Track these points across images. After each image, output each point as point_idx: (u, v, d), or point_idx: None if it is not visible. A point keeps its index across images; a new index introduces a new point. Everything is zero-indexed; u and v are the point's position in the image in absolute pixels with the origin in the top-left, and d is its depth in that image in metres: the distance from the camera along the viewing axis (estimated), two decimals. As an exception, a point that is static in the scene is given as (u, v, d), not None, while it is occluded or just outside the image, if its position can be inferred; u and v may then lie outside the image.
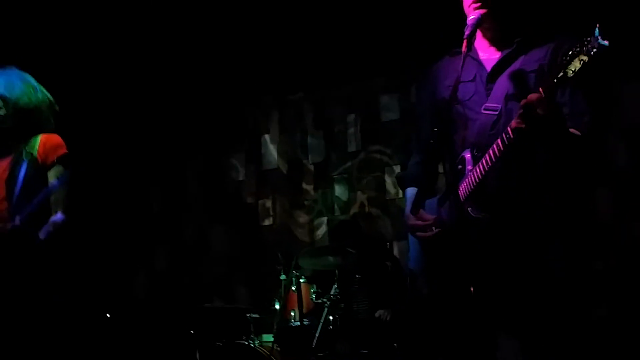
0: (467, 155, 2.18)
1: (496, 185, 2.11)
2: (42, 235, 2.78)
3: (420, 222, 2.26)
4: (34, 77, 3.09)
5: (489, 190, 2.11)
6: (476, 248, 2.12)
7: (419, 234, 2.27)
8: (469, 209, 2.12)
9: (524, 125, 1.93)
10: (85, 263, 5.16)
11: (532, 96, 1.91)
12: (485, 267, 2.12)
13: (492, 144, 2.05)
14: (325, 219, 5.12)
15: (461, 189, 2.16)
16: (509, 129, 1.98)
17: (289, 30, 5.03)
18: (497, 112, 2.17)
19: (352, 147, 5.13)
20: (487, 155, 2.06)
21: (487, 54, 2.27)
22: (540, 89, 1.90)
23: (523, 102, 1.92)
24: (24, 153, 2.91)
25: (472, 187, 2.11)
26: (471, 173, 2.12)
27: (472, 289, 2.10)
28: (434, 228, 2.22)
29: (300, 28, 5.00)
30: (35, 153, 2.90)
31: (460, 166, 2.19)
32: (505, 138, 2.00)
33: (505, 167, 2.08)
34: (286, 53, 5.16)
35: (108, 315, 4.78)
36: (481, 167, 2.08)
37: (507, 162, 2.06)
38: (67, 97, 3.28)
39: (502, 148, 2.01)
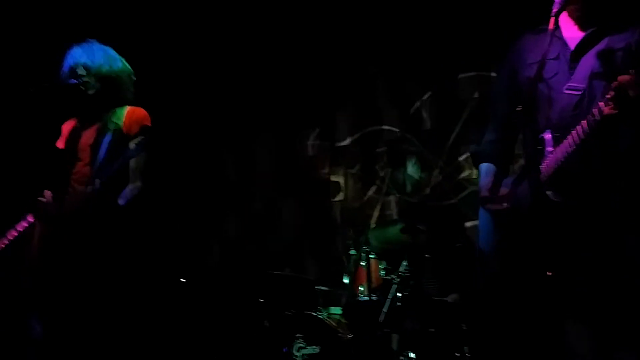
0: (548, 136, 2.13)
1: (578, 170, 2.06)
2: (121, 200, 2.91)
3: (492, 195, 2.23)
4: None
5: (570, 173, 2.06)
6: (553, 232, 2.08)
7: (489, 205, 2.24)
8: (548, 192, 2.08)
9: (615, 109, 1.87)
10: (161, 229, 5.34)
11: (623, 77, 1.85)
12: (561, 252, 2.08)
13: (575, 126, 2.00)
14: (396, 196, 5.10)
15: (541, 171, 2.11)
16: (595, 110, 1.93)
17: (366, 4, 5.01)
18: (580, 92, 2.12)
19: (426, 125, 5.07)
20: (570, 138, 2.01)
21: (571, 32, 2.22)
22: (631, 70, 1.84)
23: (614, 84, 1.86)
24: (109, 123, 3.06)
25: (554, 170, 2.07)
26: (552, 155, 2.08)
27: (548, 273, 2.07)
28: (504, 204, 2.19)
29: (379, 3, 4.97)
30: (121, 123, 3.04)
31: (539, 147, 2.15)
32: (591, 120, 1.94)
33: (587, 151, 2.02)
34: (364, 27, 5.14)
35: (183, 280, 4.93)
36: (564, 149, 2.03)
37: (589, 146, 2.00)
38: (147, 69, 3.40)
39: (587, 130, 1.96)
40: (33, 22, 4.55)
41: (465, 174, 4.85)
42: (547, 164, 2.10)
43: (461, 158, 4.87)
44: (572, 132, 2.00)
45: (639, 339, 2.03)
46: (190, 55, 5.51)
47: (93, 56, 3.11)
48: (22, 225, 3.06)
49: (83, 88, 3.07)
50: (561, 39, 2.22)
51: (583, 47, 2.17)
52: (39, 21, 4.56)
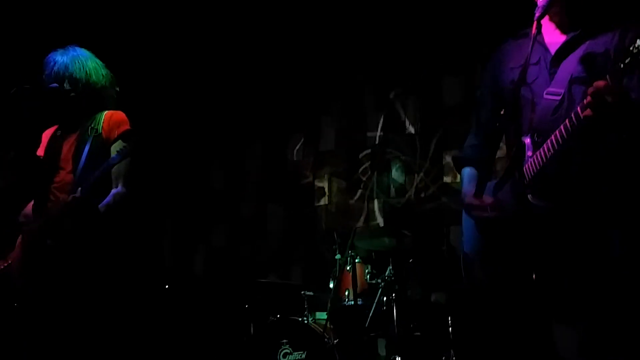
0: (527, 141, 2.15)
1: (558, 173, 2.07)
2: (102, 207, 2.87)
3: (477, 202, 2.24)
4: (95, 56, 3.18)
5: (550, 177, 2.07)
6: (536, 235, 2.09)
7: (474, 212, 2.25)
8: (529, 195, 2.09)
9: (592, 113, 1.89)
10: (147, 236, 5.32)
11: (599, 83, 1.87)
12: (545, 255, 2.10)
13: (554, 130, 2.01)
14: (380, 201, 5.12)
15: (520, 175, 2.13)
16: (573, 115, 1.94)
17: (351, 10, 5.03)
18: (559, 97, 2.13)
19: (410, 130, 5.09)
20: (549, 142, 2.02)
21: (552, 37, 2.23)
22: (607, 75, 1.86)
23: (591, 89, 1.88)
24: (89, 129, 3.01)
25: (533, 174, 2.08)
26: (531, 159, 2.09)
27: (533, 276, 2.09)
28: (489, 210, 2.20)
29: (364, 8, 4.99)
30: (100, 129, 2.99)
31: (520, 151, 2.16)
32: (569, 125, 1.96)
33: (567, 154, 2.04)
34: (348, 34, 5.16)
35: (167, 287, 4.91)
36: (542, 153, 2.04)
37: (569, 149, 2.02)
38: (133, 75, 3.37)
39: (565, 135, 1.97)
40: (15, 23, 4.50)
41: (448, 178, 4.87)
42: (527, 168, 2.12)
43: (444, 162, 4.89)
44: (552, 136, 2.02)
45: (628, 341, 2.04)
46: (178, 62, 5.51)
47: (79, 65, 3.05)
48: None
49: (66, 95, 3.02)
50: (542, 44, 2.23)
51: (563, 51, 2.19)
52: (20, 22, 4.51)
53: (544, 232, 2.09)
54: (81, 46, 3.15)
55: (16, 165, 3.04)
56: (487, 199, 2.23)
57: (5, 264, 2.99)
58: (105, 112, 3.05)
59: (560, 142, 1.99)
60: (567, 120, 1.96)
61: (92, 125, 3.01)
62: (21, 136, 3.08)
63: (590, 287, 2.06)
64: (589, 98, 1.89)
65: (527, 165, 2.11)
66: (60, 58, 3.05)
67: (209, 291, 5.28)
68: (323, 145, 5.45)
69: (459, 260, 4.30)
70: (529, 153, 2.12)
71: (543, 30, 2.25)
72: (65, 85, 3.02)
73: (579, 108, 1.93)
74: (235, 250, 5.57)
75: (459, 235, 4.60)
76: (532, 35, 2.15)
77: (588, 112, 1.90)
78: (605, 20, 2.16)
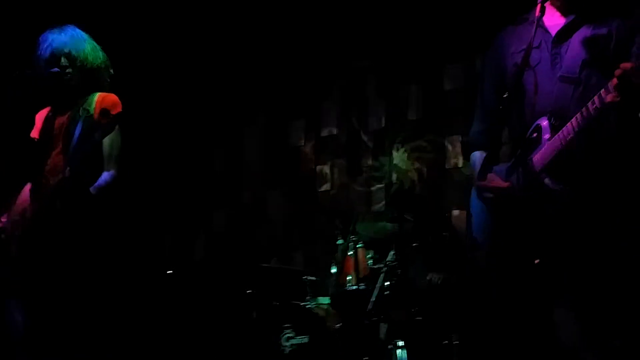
0: (544, 123, 2.13)
1: (577, 157, 2.06)
2: (92, 189, 2.86)
3: (490, 185, 2.23)
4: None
5: (569, 161, 2.06)
6: (550, 219, 2.09)
7: (486, 194, 2.24)
8: (545, 179, 2.08)
9: (618, 95, 1.88)
10: (147, 220, 5.32)
11: (626, 65, 1.86)
12: (557, 239, 2.09)
13: (574, 113, 2.00)
14: (382, 186, 5.11)
15: (536, 158, 2.12)
16: (596, 98, 1.93)
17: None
18: (574, 80, 2.13)
19: (412, 116, 5.07)
20: (569, 125, 2.01)
21: (552, 20, 2.23)
22: (633, 59, 1.85)
23: (618, 72, 1.87)
24: (80, 110, 2.98)
25: (552, 158, 2.07)
26: (549, 142, 2.08)
27: (536, 261, 2.08)
28: (502, 192, 2.19)
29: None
30: (92, 110, 2.96)
31: (535, 134, 2.15)
32: (591, 108, 1.94)
33: (587, 138, 2.03)
34: (350, 19, 5.14)
35: (169, 272, 4.92)
36: (562, 136, 2.03)
37: (589, 132, 2.01)
38: (134, 61, 3.35)
39: (587, 118, 1.96)
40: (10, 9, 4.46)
41: (451, 163, 4.86)
42: (543, 152, 2.10)
43: (446, 147, 4.88)
44: (572, 119, 2.01)
45: (633, 328, 2.04)
46: (177, 47, 5.48)
47: (77, 45, 3.03)
48: None
49: (65, 77, 3.00)
50: (542, 26, 2.23)
51: (564, 33, 2.19)
52: (15, 7, 4.47)
53: (559, 216, 2.08)
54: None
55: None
56: (501, 182, 2.22)
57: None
58: (98, 93, 3.03)
59: (582, 125, 1.98)
60: (589, 103, 1.95)
61: (84, 106, 2.98)
62: (14, 120, 3.07)
63: (598, 272, 2.05)
64: (614, 80, 1.88)
65: (544, 149, 2.10)
66: (58, 36, 3.02)
67: (211, 276, 5.28)
68: (325, 130, 5.44)
69: (461, 244, 4.33)
70: (546, 136, 2.10)
71: (537, 13, 2.25)
72: (62, 61, 2.98)
73: (602, 91, 1.92)
74: (237, 235, 5.58)
75: (461, 220, 4.62)
76: (537, 17, 2.15)
77: (614, 94, 1.89)
78: (601, 4, 2.17)
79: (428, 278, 4.09)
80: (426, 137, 4.98)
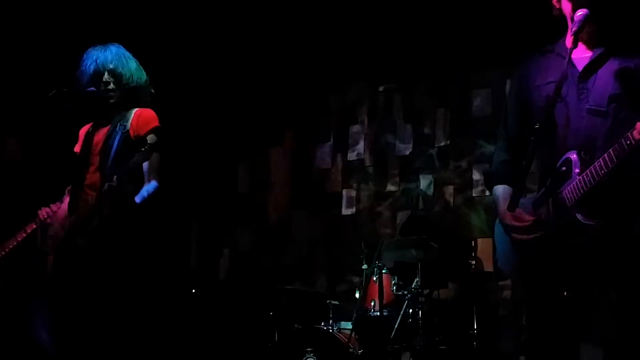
0: (574, 157, 2.11)
1: (610, 191, 2.04)
2: (138, 199, 2.86)
3: (519, 223, 2.20)
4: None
5: (601, 196, 2.04)
6: (580, 252, 2.06)
7: (516, 235, 2.20)
8: (577, 214, 2.06)
9: None
10: (173, 239, 5.36)
11: None
12: (587, 272, 2.07)
13: (603, 146, 1.99)
14: (408, 212, 5.09)
15: (566, 193, 2.09)
16: (630, 135, 1.92)
17: (382, 18, 5.03)
18: (602, 114, 2.11)
19: (440, 142, 5.07)
20: (601, 160, 1.98)
21: (578, 52, 2.21)
22: None
23: None
24: (118, 126, 3.01)
25: (583, 192, 2.04)
26: (580, 177, 2.05)
27: (565, 293, 2.06)
28: (531, 229, 2.16)
29: (396, 16, 4.99)
30: (129, 126, 2.99)
31: (564, 168, 2.13)
32: (626, 145, 1.93)
33: (619, 172, 2.01)
34: (379, 42, 5.16)
35: (193, 291, 4.94)
36: (594, 171, 2.01)
37: (621, 167, 1.99)
38: (165, 79, 3.39)
39: (620, 154, 1.94)
40: (49, 26, 4.56)
41: (477, 190, 4.84)
42: (574, 186, 2.08)
43: (473, 175, 4.86)
44: (605, 155, 1.99)
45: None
46: (208, 69, 5.55)
47: (122, 63, 3.06)
48: (22, 235, 3.07)
49: (106, 95, 3.04)
50: (568, 59, 2.22)
51: (591, 68, 2.18)
52: (54, 24, 4.57)
53: (587, 248, 2.06)
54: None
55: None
56: (527, 218, 2.19)
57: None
58: (135, 109, 3.06)
59: (616, 161, 1.96)
60: (623, 140, 1.93)
61: (122, 122, 3.01)
62: (59, 135, 3.12)
63: (629, 307, 2.02)
64: None
65: (574, 183, 2.08)
66: (102, 53, 3.06)
67: (234, 296, 5.29)
68: (352, 153, 5.45)
69: (486, 273, 4.29)
70: (577, 170, 2.08)
71: (568, 45, 2.24)
72: (108, 87, 3.02)
73: (636, 132, 1.91)
74: (261, 256, 5.59)
75: (487, 249, 4.58)
76: (569, 49, 2.14)
77: None
78: (629, 37, 2.17)
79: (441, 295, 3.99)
80: (453, 164, 4.97)
